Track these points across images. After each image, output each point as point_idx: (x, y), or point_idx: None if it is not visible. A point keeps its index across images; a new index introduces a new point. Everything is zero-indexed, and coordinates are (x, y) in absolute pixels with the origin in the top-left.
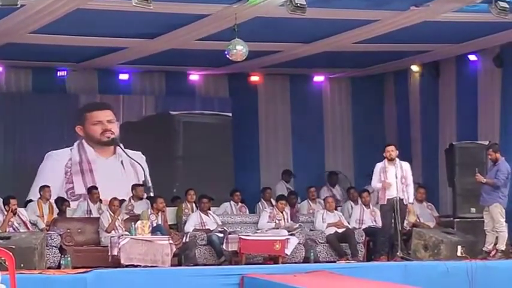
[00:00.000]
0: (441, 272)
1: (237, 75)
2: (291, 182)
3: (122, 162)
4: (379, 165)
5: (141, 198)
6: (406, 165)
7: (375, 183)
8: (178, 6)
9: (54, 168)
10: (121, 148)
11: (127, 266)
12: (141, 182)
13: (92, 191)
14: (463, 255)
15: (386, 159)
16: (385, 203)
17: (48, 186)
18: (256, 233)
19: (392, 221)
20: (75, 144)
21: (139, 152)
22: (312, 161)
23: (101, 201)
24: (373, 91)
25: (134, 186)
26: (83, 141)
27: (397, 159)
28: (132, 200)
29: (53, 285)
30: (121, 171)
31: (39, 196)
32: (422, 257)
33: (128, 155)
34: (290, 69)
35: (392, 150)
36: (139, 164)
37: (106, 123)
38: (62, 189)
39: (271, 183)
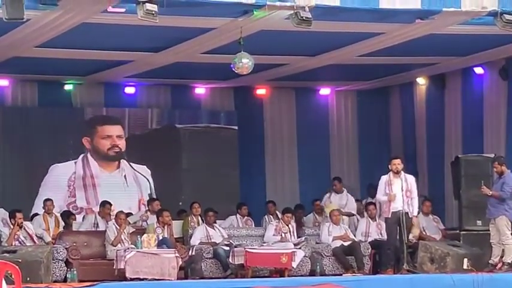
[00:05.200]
0: (447, 284)
1: (242, 89)
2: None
3: (125, 176)
4: (384, 178)
5: (156, 212)
6: (411, 178)
7: (380, 196)
8: (184, 20)
9: (58, 182)
10: (126, 161)
11: (133, 279)
12: (146, 196)
13: (105, 205)
14: (469, 267)
15: (391, 172)
16: (390, 216)
17: (51, 200)
18: (262, 246)
19: (398, 233)
20: (80, 157)
21: (145, 166)
22: (318, 174)
23: (109, 215)
24: (379, 104)
25: (150, 201)
26: (88, 154)
27: (402, 172)
28: (148, 212)
29: None
30: (124, 186)
31: (43, 210)
32: (429, 270)
33: (133, 169)
34: (296, 82)
35: (398, 163)
36: (145, 177)
37: (115, 139)
38: (64, 203)
39: (277, 196)
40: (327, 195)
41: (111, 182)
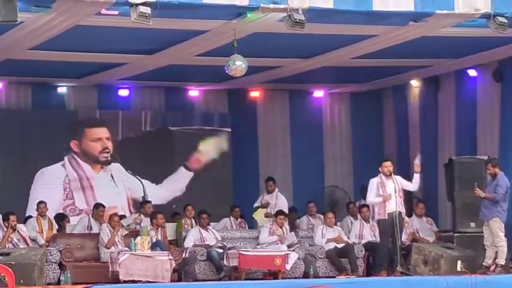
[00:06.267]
0: (441, 287)
1: (236, 91)
2: None
3: (111, 176)
4: (374, 181)
5: (149, 215)
6: (399, 178)
7: (372, 198)
8: (177, 22)
9: (50, 184)
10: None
11: (127, 281)
12: (134, 196)
13: (98, 207)
14: (463, 270)
15: (382, 174)
16: (386, 217)
17: (44, 202)
18: (256, 248)
19: (392, 235)
20: (66, 159)
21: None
22: (312, 176)
23: (103, 217)
24: (372, 106)
25: (142, 204)
26: (76, 156)
27: (392, 174)
28: (141, 215)
29: None
30: (112, 186)
31: (37, 213)
32: (422, 272)
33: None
34: (289, 85)
35: (390, 166)
36: (138, 178)
37: (105, 141)
38: (60, 205)
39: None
40: (260, 197)
41: (103, 183)
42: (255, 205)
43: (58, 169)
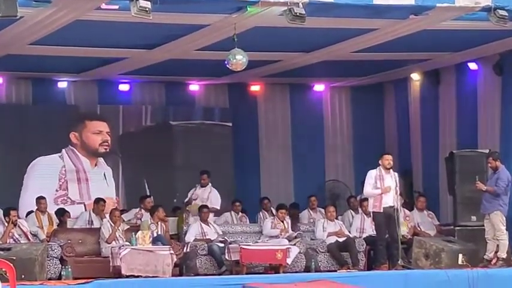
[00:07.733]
0: (442, 280)
1: (236, 85)
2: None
3: (104, 174)
4: (373, 173)
5: (149, 209)
6: (397, 176)
7: (370, 189)
8: (177, 17)
9: (45, 174)
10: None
11: (128, 276)
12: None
13: (99, 202)
14: (464, 263)
15: (382, 168)
16: (381, 211)
17: (44, 198)
18: (257, 242)
19: (390, 229)
20: (64, 151)
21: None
22: (313, 170)
23: (103, 212)
24: (373, 100)
25: (142, 199)
26: (74, 149)
27: (391, 170)
28: (142, 210)
29: None
30: (104, 183)
31: (36, 207)
32: (423, 266)
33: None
34: (290, 79)
35: (391, 159)
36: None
37: (105, 134)
38: (52, 196)
39: (272, 193)
40: (193, 189)
41: (97, 178)
42: (185, 200)
43: (55, 159)
